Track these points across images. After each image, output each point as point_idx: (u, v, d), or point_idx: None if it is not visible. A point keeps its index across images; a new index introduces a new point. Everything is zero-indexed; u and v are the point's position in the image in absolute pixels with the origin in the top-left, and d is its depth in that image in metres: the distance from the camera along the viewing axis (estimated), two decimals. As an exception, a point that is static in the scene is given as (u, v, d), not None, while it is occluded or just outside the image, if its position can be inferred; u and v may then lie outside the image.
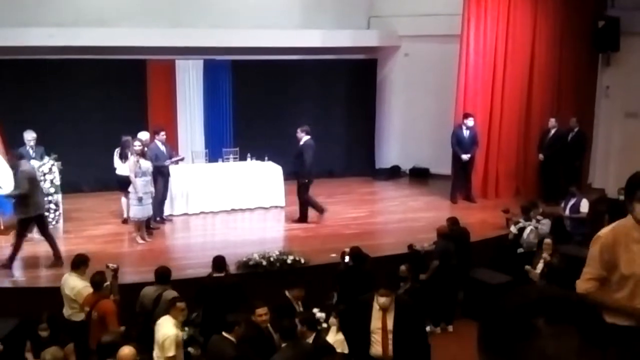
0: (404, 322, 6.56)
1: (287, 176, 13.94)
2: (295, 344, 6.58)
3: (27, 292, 9.34)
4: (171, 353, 6.89)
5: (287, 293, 8.04)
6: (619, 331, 4.11)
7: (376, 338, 6.59)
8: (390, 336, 6.52)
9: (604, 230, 4.41)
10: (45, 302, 8.80)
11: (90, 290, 7.91)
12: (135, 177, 11.00)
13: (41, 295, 9.14)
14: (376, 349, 6.60)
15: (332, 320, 7.79)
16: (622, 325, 4.18)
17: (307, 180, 12.42)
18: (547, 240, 10.02)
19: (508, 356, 1.30)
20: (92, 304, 7.76)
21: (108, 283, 7.94)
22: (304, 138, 12.44)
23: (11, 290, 9.31)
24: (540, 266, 9.81)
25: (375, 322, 6.59)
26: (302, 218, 12.63)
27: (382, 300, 6.51)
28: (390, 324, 6.53)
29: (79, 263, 8.40)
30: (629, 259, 4.22)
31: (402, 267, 9.36)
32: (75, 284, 8.24)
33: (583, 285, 4.39)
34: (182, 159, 12.98)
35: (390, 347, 6.54)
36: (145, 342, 7.03)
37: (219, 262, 8.74)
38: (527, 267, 9.96)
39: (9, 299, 9.05)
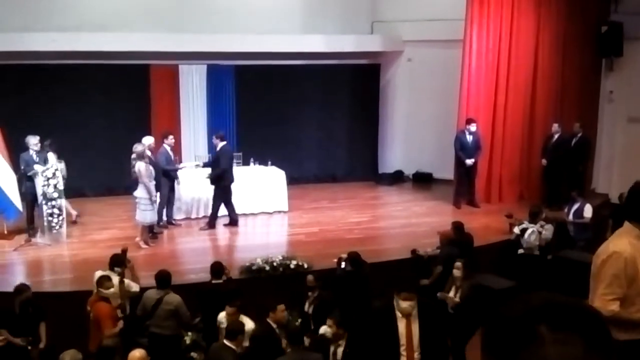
0: (430, 328, 5.76)
1: (291, 181, 13.98)
2: (301, 349, 6.56)
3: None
4: None
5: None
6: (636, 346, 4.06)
7: (401, 349, 5.76)
8: (416, 346, 5.71)
9: (619, 246, 4.11)
10: (49, 307, 8.81)
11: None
12: (150, 181, 11.10)
13: (45, 300, 9.12)
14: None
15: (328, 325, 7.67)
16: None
17: (220, 185, 12.31)
18: (458, 264, 8.84)
19: None
20: (92, 304, 7.83)
21: (113, 290, 7.98)
22: (220, 144, 12.39)
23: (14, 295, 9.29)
24: (452, 292, 8.96)
25: (401, 328, 5.76)
26: (211, 224, 12.50)
27: (405, 305, 5.67)
28: (416, 332, 5.72)
29: (118, 262, 8.53)
30: None
31: (309, 277, 8.78)
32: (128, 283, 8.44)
33: (608, 306, 4.02)
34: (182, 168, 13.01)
35: (417, 357, 5.72)
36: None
37: (216, 268, 8.75)
38: (440, 293, 9.01)
39: (13, 304, 9.03)
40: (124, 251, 8.87)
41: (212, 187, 12.42)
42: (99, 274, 8.38)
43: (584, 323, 1.31)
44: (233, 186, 12.58)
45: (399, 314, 5.73)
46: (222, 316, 7.68)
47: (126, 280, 8.42)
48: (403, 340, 5.72)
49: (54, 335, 8.26)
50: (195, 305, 8.31)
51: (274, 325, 7.36)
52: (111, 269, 8.46)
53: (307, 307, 8.43)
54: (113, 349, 6.54)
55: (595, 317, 1.33)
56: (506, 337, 1.32)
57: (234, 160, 13.32)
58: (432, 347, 5.79)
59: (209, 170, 12.50)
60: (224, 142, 12.47)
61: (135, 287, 8.46)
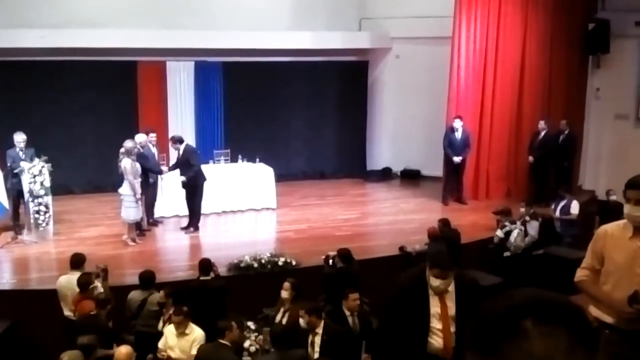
0: (468, 306, 4.94)
1: (279, 178, 13.97)
2: (283, 350, 6.52)
3: (17, 295, 9.30)
4: None
5: None
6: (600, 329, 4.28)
7: (434, 329, 5.12)
8: (452, 325, 5.07)
9: (606, 225, 4.67)
10: (36, 305, 8.78)
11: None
12: (134, 178, 11.03)
13: (32, 298, 9.10)
14: (435, 342, 5.12)
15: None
16: (605, 324, 4.31)
17: (194, 185, 11.89)
18: (286, 284, 7.88)
19: (496, 357, 1.30)
20: (76, 303, 7.80)
21: (95, 285, 7.95)
22: (182, 146, 11.93)
23: (1, 293, 9.26)
24: (280, 315, 7.95)
25: (433, 309, 5.10)
26: (196, 226, 12.14)
27: (436, 283, 4.98)
28: (452, 310, 5.07)
29: (80, 261, 8.40)
30: (618, 254, 4.40)
31: (160, 293, 7.99)
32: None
33: (577, 272, 4.67)
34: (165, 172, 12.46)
35: (453, 338, 5.07)
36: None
37: (204, 264, 8.74)
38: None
39: (0, 302, 9.01)
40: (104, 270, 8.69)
41: (184, 188, 12.03)
42: (64, 278, 8.32)
43: (568, 317, 1.32)
44: (210, 185, 12.44)
45: (431, 291, 5.09)
46: (168, 329, 7.43)
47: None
48: (437, 319, 5.10)
49: (42, 333, 8.25)
50: (183, 302, 8.28)
51: (347, 313, 7.48)
52: (74, 268, 8.33)
53: (162, 326, 7.80)
54: (90, 346, 6.52)
55: (578, 312, 1.34)
56: (491, 332, 1.32)
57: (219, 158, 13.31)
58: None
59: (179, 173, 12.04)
60: (185, 143, 12.06)
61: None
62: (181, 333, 7.27)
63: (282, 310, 7.84)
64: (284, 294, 7.85)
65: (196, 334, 7.30)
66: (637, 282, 4.29)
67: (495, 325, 1.33)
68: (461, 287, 5.11)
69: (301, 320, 6.86)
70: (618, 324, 4.33)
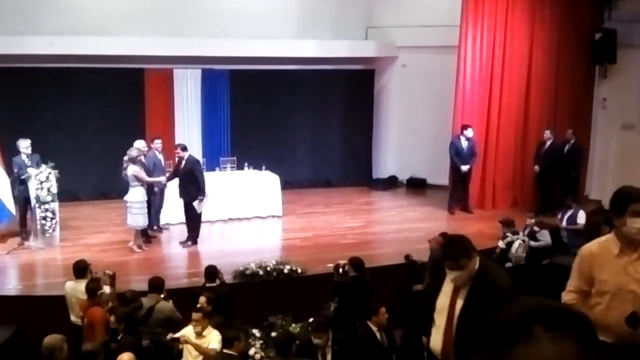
0: (478, 309, 4.27)
1: (285, 185, 13.98)
2: (289, 357, 6.52)
3: (23, 301, 9.31)
4: None
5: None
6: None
7: (437, 323, 4.72)
8: (454, 322, 4.58)
9: (589, 244, 4.53)
10: (42, 311, 8.79)
11: None
12: (146, 178, 11.06)
13: (38, 304, 9.12)
14: (434, 338, 4.73)
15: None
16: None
17: (201, 197, 11.66)
18: (202, 298, 7.65)
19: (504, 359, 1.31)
20: (85, 309, 7.80)
21: (103, 291, 7.95)
22: (186, 155, 11.70)
23: (7, 299, 9.28)
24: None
25: (441, 300, 4.69)
26: (195, 240, 11.83)
27: (452, 275, 4.55)
28: (459, 305, 4.57)
29: (83, 269, 8.39)
30: (607, 273, 4.29)
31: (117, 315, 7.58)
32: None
33: (564, 297, 4.50)
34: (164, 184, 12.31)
35: (453, 339, 4.58)
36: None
37: (211, 271, 8.75)
38: None
39: (5, 308, 9.02)
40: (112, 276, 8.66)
41: (182, 201, 11.84)
42: (69, 285, 8.32)
43: (577, 325, 1.33)
44: (216, 192, 12.39)
45: (448, 281, 4.66)
46: (188, 329, 7.30)
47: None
48: (443, 312, 4.66)
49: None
50: (188, 308, 8.28)
51: (375, 328, 7.40)
52: (79, 278, 8.31)
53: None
54: (94, 353, 6.52)
55: (587, 321, 1.36)
56: (501, 335, 1.33)
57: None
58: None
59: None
60: (188, 152, 11.88)
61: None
62: (198, 333, 7.19)
63: None
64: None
65: (212, 335, 7.22)
66: (631, 299, 4.20)
67: (505, 329, 1.33)
68: (477, 288, 4.50)
69: (317, 340, 6.83)
70: (613, 341, 4.25)
